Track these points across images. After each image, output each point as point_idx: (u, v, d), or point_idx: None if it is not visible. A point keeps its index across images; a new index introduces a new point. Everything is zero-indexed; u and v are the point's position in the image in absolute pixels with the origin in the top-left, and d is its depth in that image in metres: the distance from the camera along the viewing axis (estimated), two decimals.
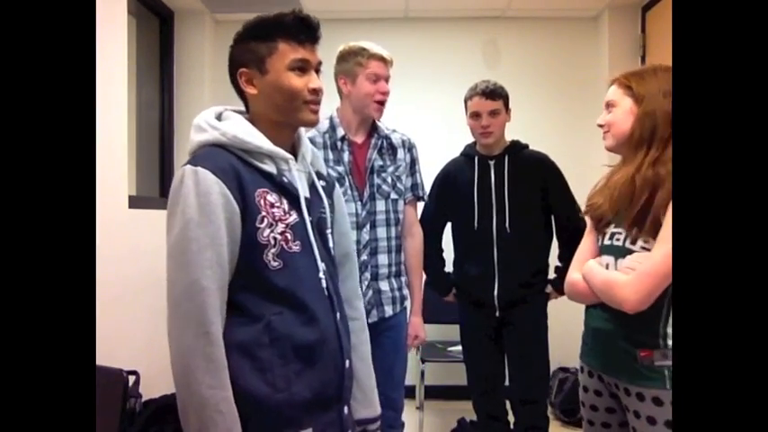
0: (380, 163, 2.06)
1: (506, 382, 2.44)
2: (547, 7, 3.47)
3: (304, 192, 1.24)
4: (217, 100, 3.50)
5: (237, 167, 1.14)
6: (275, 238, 1.15)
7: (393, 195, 2.07)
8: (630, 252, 1.38)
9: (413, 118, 3.37)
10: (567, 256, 2.35)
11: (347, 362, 1.24)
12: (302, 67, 1.21)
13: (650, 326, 1.34)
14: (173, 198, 1.11)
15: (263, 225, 1.14)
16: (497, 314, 2.30)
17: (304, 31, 1.22)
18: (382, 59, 2.02)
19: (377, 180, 2.05)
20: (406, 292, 2.13)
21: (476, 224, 2.29)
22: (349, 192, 2.01)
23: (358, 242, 2.01)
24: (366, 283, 2.03)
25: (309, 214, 1.23)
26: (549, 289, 2.38)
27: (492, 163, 2.32)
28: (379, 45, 2.06)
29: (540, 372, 2.35)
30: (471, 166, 2.34)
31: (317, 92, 1.23)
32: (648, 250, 1.33)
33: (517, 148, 2.36)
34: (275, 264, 1.15)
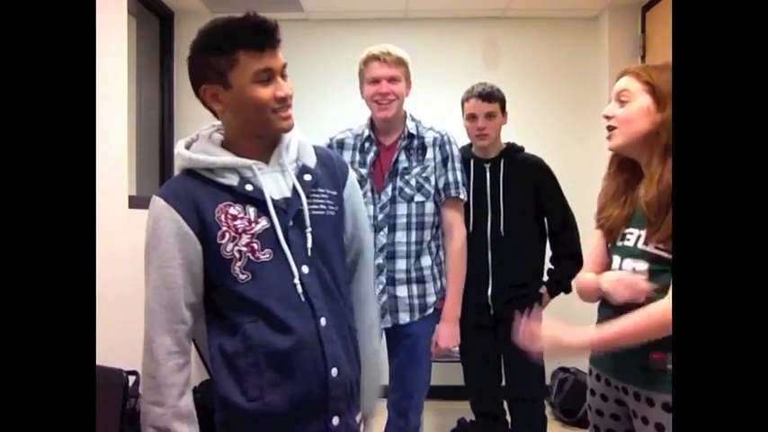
0: (405, 165, 2.01)
1: (503, 383, 2.44)
2: (547, 7, 3.47)
3: (281, 192, 1.21)
4: None
5: (195, 190, 1.17)
6: (240, 251, 1.15)
7: (418, 198, 2.00)
8: (643, 253, 1.35)
9: None
10: (558, 260, 2.37)
11: (334, 370, 1.18)
12: (268, 78, 1.15)
13: None
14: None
15: (224, 240, 1.14)
16: (492, 312, 2.30)
17: (263, 37, 1.13)
18: (377, 59, 1.98)
19: (399, 183, 2.00)
20: (431, 299, 2.05)
21: (470, 227, 2.27)
22: (369, 194, 2.01)
23: (374, 245, 1.98)
24: (381, 287, 2.01)
25: (285, 216, 1.19)
26: (542, 289, 2.37)
27: (488, 166, 2.33)
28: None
29: (535, 370, 2.33)
30: (467, 169, 2.32)
31: (284, 99, 1.17)
32: (663, 250, 1.31)
33: (513, 151, 2.37)
34: (243, 276, 1.15)
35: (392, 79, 1.98)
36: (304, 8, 3.40)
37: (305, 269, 1.19)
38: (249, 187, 1.18)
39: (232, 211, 1.16)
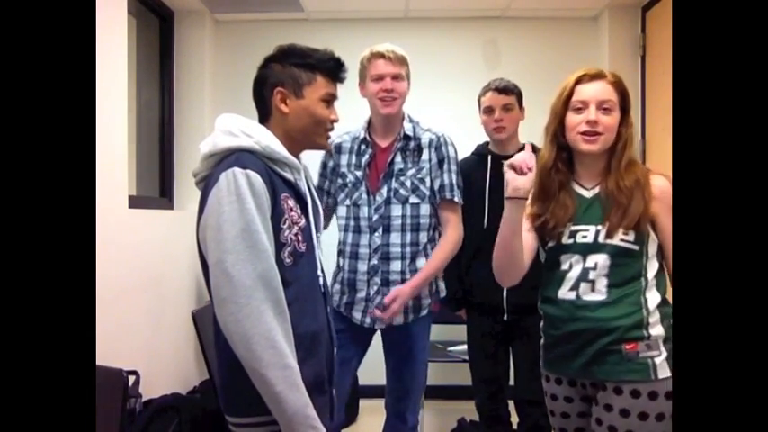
0: (401, 166, 2.01)
1: (510, 381, 2.42)
2: (547, 7, 3.47)
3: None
4: (217, 100, 3.52)
5: (269, 173, 1.28)
6: (291, 239, 1.30)
7: (413, 200, 2.00)
8: (604, 246, 1.41)
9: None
10: None
11: (334, 349, 1.44)
12: (330, 101, 1.40)
13: (636, 319, 1.37)
14: (226, 197, 1.21)
15: (284, 226, 1.28)
16: (506, 317, 2.25)
17: (338, 71, 1.41)
18: (382, 56, 2.00)
19: (394, 184, 2.00)
20: (425, 301, 2.05)
21: (485, 223, 2.22)
22: (364, 196, 2.02)
23: (369, 246, 2.00)
24: (375, 288, 2.00)
25: (314, 218, 1.39)
26: None
27: (506, 162, 2.28)
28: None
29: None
30: (484, 165, 2.30)
31: (334, 122, 1.43)
32: (629, 242, 1.39)
33: (533, 150, 2.32)
34: (288, 261, 1.29)
35: (396, 77, 2.00)
36: (304, 8, 3.40)
37: (320, 265, 1.41)
38: (300, 187, 1.36)
39: (290, 202, 1.31)
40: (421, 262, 2.03)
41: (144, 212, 2.65)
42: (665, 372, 1.34)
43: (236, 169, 1.22)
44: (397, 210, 2.00)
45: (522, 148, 2.27)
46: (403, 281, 2.00)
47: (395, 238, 2.00)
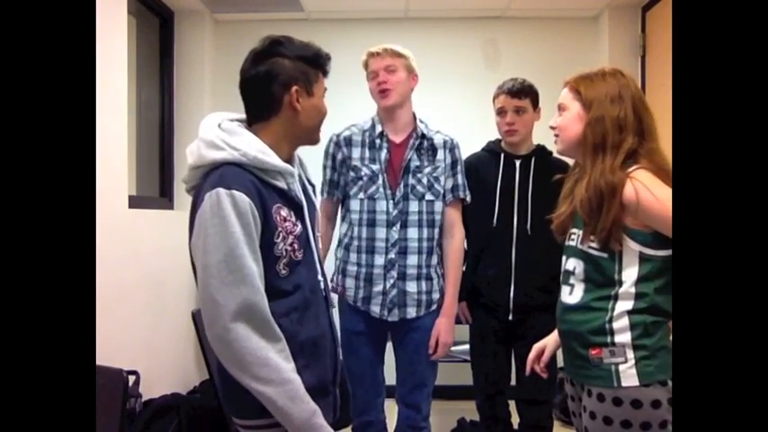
0: (417, 163, 2.06)
1: (512, 382, 2.42)
2: (547, 7, 3.47)
3: (302, 199, 1.35)
4: (217, 99, 3.51)
5: (258, 187, 1.22)
6: (286, 250, 1.26)
7: (428, 196, 2.06)
8: (580, 252, 1.42)
9: None
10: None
11: (339, 350, 1.43)
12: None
13: (597, 324, 1.37)
14: (210, 219, 1.17)
15: (278, 240, 1.24)
16: (510, 317, 2.25)
17: (328, 65, 1.38)
18: (373, 54, 2.06)
19: (411, 180, 2.05)
20: (436, 296, 2.10)
21: (495, 221, 2.23)
22: (381, 190, 2.05)
23: (387, 240, 2.05)
24: (391, 281, 2.05)
25: (311, 221, 1.34)
26: None
27: (518, 162, 2.28)
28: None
29: (550, 375, 2.31)
30: (496, 163, 2.29)
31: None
32: (596, 249, 1.38)
33: (545, 152, 2.32)
34: (284, 272, 1.26)
35: (388, 69, 2.03)
36: (304, 8, 3.40)
37: (320, 269, 1.38)
38: (293, 192, 1.31)
39: (283, 212, 1.26)
40: (434, 258, 2.10)
41: (144, 212, 2.65)
42: (629, 380, 1.33)
43: (221, 190, 1.17)
44: (414, 206, 2.05)
45: (535, 149, 2.30)
46: (418, 275, 2.07)
47: (412, 233, 2.05)
